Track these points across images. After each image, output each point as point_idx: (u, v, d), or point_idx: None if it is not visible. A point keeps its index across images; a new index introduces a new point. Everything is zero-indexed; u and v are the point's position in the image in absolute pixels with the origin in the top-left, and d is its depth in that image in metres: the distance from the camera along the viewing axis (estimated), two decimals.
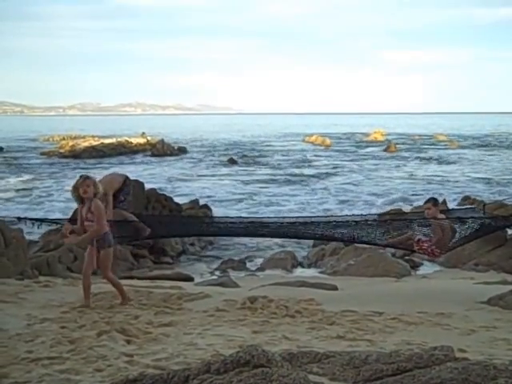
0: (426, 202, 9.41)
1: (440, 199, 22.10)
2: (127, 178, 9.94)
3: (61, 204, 26.93)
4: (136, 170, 40.51)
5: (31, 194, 31.19)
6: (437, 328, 6.95)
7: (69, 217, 15.77)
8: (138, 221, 9.59)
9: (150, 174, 39.01)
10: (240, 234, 9.98)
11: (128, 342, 5.98)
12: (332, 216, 11.06)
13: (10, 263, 10.11)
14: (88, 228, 7.69)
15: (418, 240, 9.03)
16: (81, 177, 7.76)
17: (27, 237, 12.57)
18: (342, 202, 27.87)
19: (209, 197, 28.55)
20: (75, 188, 7.62)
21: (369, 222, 9.22)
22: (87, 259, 7.80)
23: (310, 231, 9.24)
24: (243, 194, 30.89)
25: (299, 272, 15.07)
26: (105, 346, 5.73)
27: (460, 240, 9.12)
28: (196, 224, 10.50)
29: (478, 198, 25.19)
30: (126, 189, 9.79)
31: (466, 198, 26.00)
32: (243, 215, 22.06)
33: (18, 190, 32.49)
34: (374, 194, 30.20)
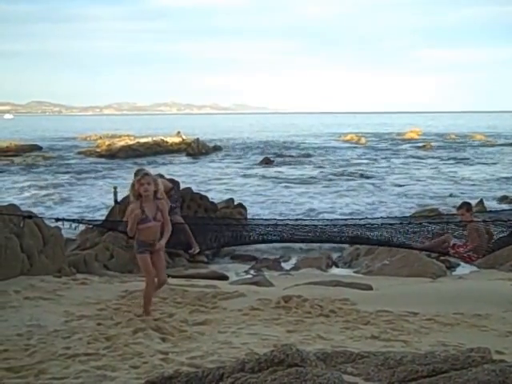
0: (459, 207, 9.28)
1: (477, 200, 21.85)
2: (174, 183, 9.93)
3: (96, 203, 27.26)
4: (171, 169, 40.79)
5: (68, 192, 31.60)
6: (473, 329, 6.87)
7: (104, 217, 15.96)
8: (191, 235, 9.62)
9: (185, 173, 39.22)
10: (274, 240, 9.93)
11: (163, 339, 6.04)
12: (366, 219, 11.00)
13: (48, 261, 10.26)
14: (153, 229, 7.07)
15: (454, 245, 8.91)
16: (139, 172, 7.19)
17: (64, 235, 12.75)
18: (372, 203, 27.59)
19: (243, 196, 28.58)
20: (134, 184, 7.00)
21: (404, 225, 9.14)
22: (149, 265, 7.06)
23: (344, 234, 9.19)
24: (276, 193, 30.85)
25: (334, 271, 15.01)
26: (140, 343, 5.80)
27: (497, 244, 8.96)
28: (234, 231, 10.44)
29: None
30: (176, 195, 9.79)
31: (503, 198, 25.60)
32: (276, 216, 22.03)
33: (55, 187, 32.98)
34: (411, 195, 29.89)
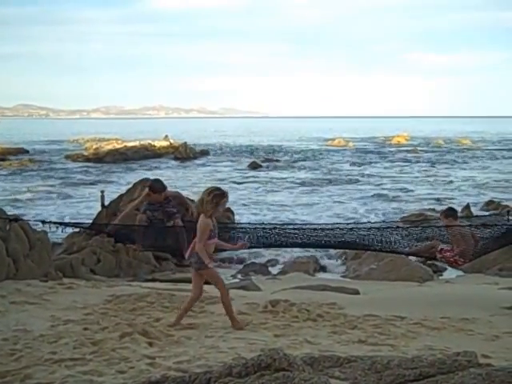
0: (443, 213, 9.33)
1: (464, 205, 21.96)
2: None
3: (82, 207, 27.16)
4: (159, 173, 40.72)
5: (54, 197, 31.45)
6: (460, 333, 6.90)
7: (91, 220, 15.91)
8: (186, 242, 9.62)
9: (173, 177, 39.13)
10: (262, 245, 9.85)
11: (150, 344, 6.01)
12: (354, 223, 10.98)
13: (34, 265, 10.21)
14: (215, 243, 7.07)
15: (441, 249, 8.95)
16: (217, 190, 6.83)
17: (51, 239, 12.69)
18: (359, 207, 27.59)
19: (231, 201, 28.55)
20: (209, 202, 6.71)
21: (391, 229, 9.16)
22: (220, 278, 7.17)
23: (331, 239, 9.17)
24: (264, 197, 30.87)
25: (321, 276, 15.02)
26: (127, 348, 5.77)
27: (484, 248, 9.00)
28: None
29: (502, 203, 24.90)
30: (175, 201, 9.75)
31: (490, 203, 25.73)
32: (263, 221, 22.05)
33: (41, 192, 32.81)
34: (397, 199, 30.01)
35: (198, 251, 6.83)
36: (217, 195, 6.73)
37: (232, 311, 7.04)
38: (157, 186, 9.22)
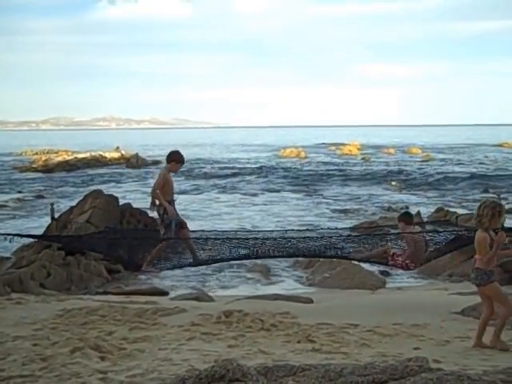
0: (399, 217, 9.55)
1: (415, 212, 22.31)
2: None
3: (30, 219, 26.63)
4: (110, 185, 40.29)
5: (1, 209, 30.73)
6: (412, 339, 6.99)
7: (41, 233, 15.61)
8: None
9: (125, 190, 38.72)
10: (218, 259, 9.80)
11: (102, 358, 5.92)
12: (306, 230, 11.07)
13: None
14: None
15: (393, 254, 9.11)
16: (496, 203, 6.73)
17: None
18: (311, 217, 27.66)
19: (183, 211, 28.36)
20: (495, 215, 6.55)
21: (343, 237, 9.28)
22: (504, 294, 6.83)
23: (282, 248, 9.21)
24: (214, 208, 30.76)
25: (274, 285, 15.02)
26: (78, 363, 5.66)
27: (434, 253, 9.21)
28: None
29: (451, 210, 25.37)
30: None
31: (439, 210, 26.19)
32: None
33: None
34: (349, 208, 30.27)
35: (483, 266, 6.68)
36: (493, 208, 6.60)
37: (501, 331, 6.73)
38: (179, 154, 9.13)
